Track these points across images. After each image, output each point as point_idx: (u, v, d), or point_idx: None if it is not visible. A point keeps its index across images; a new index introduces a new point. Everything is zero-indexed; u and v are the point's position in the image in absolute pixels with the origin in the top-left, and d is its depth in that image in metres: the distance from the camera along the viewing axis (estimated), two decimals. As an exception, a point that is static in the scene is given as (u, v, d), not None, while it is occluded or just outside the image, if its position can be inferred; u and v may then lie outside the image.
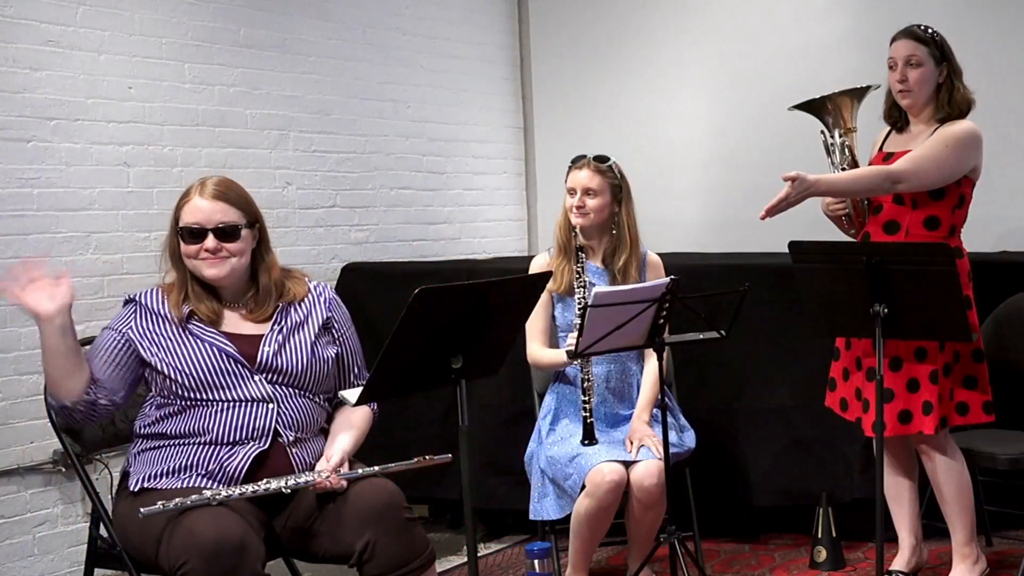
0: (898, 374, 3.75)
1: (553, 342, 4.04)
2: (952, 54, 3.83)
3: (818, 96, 3.95)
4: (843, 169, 3.89)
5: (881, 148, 3.97)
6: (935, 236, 3.76)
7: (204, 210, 3.15)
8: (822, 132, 3.99)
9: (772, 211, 3.67)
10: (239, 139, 4.99)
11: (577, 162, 4.00)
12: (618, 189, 3.99)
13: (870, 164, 3.95)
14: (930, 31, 3.83)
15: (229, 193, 3.20)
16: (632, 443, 3.81)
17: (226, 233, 3.15)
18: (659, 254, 4.14)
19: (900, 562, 4.00)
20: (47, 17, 4.29)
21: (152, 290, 3.23)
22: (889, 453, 3.89)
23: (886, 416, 3.70)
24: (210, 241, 3.13)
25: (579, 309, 3.87)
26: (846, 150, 3.91)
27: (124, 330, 3.15)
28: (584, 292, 3.89)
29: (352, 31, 5.51)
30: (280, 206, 5.11)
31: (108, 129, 4.49)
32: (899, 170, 3.73)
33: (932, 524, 4.18)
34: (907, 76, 3.80)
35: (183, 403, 3.10)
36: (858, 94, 3.98)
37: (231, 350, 3.12)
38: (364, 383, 3.30)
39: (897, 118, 3.94)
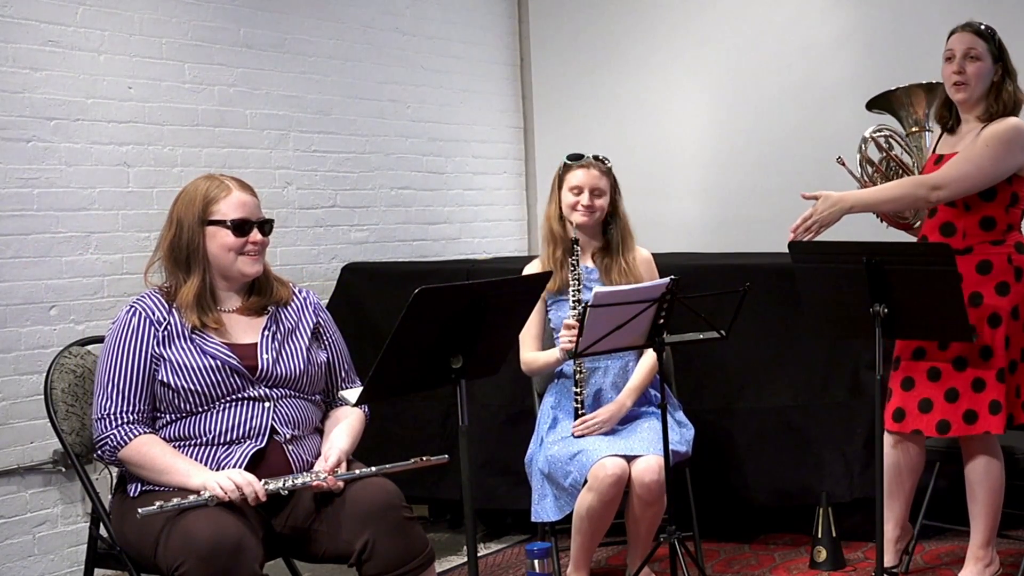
0: (963, 374, 3.73)
1: (548, 346, 4.03)
2: (1007, 54, 3.78)
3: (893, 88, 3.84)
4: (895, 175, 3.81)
5: (934, 151, 3.91)
6: (993, 236, 3.73)
7: (248, 204, 3.15)
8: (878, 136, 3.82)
9: (799, 232, 3.66)
10: (239, 139, 4.99)
11: (579, 161, 4.00)
12: (615, 188, 4.04)
13: (922, 171, 3.88)
14: (990, 29, 3.77)
15: (251, 189, 3.22)
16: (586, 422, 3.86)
17: (265, 227, 3.17)
18: (659, 254, 4.14)
19: (888, 558, 3.97)
20: (47, 17, 4.29)
21: (152, 296, 3.14)
22: (905, 452, 3.88)
23: (950, 416, 3.71)
24: (257, 234, 3.13)
25: (573, 301, 3.88)
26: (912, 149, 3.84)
27: (148, 358, 3.06)
28: (578, 284, 3.90)
29: (352, 31, 5.51)
30: (280, 206, 5.11)
31: (108, 129, 4.49)
32: (937, 176, 3.68)
33: (932, 524, 4.18)
34: (965, 68, 3.74)
35: (182, 414, 3.08)
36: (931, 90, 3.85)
37: (235, 363, 3.09)
38: (355, 384, 3.31)
39: (947, 117, 3.87)
